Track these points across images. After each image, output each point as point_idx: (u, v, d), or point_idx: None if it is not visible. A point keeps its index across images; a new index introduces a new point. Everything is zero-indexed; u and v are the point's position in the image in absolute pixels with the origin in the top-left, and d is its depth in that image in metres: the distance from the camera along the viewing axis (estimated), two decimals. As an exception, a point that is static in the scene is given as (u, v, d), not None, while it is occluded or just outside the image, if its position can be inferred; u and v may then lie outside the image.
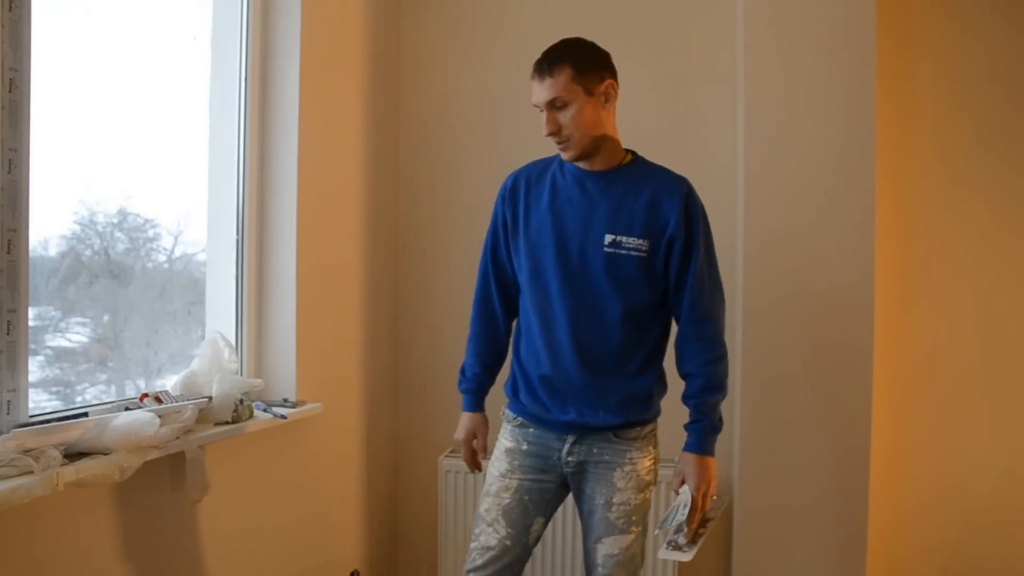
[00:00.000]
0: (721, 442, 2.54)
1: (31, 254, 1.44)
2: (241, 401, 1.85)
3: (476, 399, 1.87)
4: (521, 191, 1.80)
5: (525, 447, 1.77)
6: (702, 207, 1.74)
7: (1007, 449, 2.58)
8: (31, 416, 1.45)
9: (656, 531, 1.73)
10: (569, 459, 1.74)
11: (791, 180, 2.40)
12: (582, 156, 1.71)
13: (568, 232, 1.71)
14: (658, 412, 1.81)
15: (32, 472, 1.28)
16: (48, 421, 1.46)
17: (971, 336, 2.60)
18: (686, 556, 1.65)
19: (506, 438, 1.81)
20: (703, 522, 1.72)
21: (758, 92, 2.42)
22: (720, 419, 1.76)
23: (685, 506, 1.68)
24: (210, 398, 1.82)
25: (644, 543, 1.77)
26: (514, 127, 2.70)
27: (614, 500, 1.72)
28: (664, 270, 1.72)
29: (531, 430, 1.77)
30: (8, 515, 1.28)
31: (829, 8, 2.38)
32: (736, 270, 2.50)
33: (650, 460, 1.77)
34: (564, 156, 1.72)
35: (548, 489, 1.77)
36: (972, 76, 2.58)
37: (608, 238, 1.68)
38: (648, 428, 1.77)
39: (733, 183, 2.54)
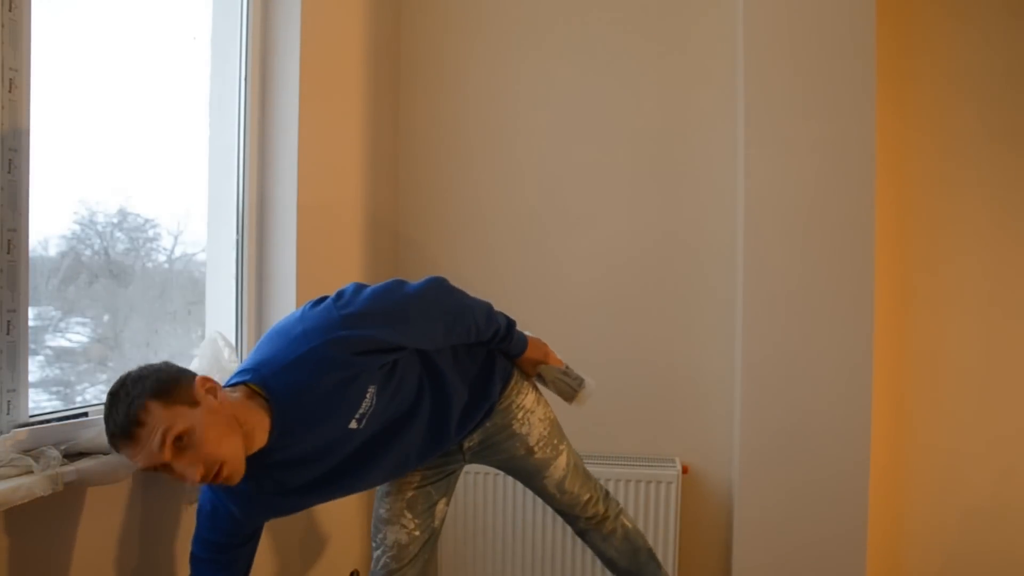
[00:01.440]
0: (721, 442, 2.57)
1: (31, 254, 1.44)
2: (241, 401, 1.85)
3: None
4: (254, 499, 1.49)
5: None
6: (345, 331, 1.41)
7: (1007, 448, 2.58)
8: (31, 416, 1.45)
9: (574, 405, 1.82)
10: (470, 445, 1.76)
11: (791, 180, 2.40)
12: (248, 451, 1.34)
13: (330, 468, 1.50)
14: (508, 364, 1.79)
15: (32, 472, 1.28)
16: (48, 421, 1.46)
17: (971, 335, 2.60)
18: (588, 381, 1.81)
19: None
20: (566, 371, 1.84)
21: (758, 92, 2.42)
22: (507, 323, 1.71)
23: (564, 372, 1.81)
24: (210, 398, 1.82)
25: (572, 448, 1.86)
26: (514, 127, 2.70)
27: (531, 443, 1.77)
28: (395, 361, 1.51)
29: None
30: (8, 515, 1.28)
31: (829, 8, 2.38)
32: (736, 270, 2.51)
33: (530, 395, 1.79)
34: (234, 484, 1.34)
35: (447, 471, 1.80)
36: (972, 74, 2.58)
37: (352, 424, 1.45)
38: (512, 379, 1.77)
39: (733, 183, 2.54)
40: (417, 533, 1.76)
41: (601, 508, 1.89)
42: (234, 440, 1.30)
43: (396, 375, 1.51)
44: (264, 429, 1.37)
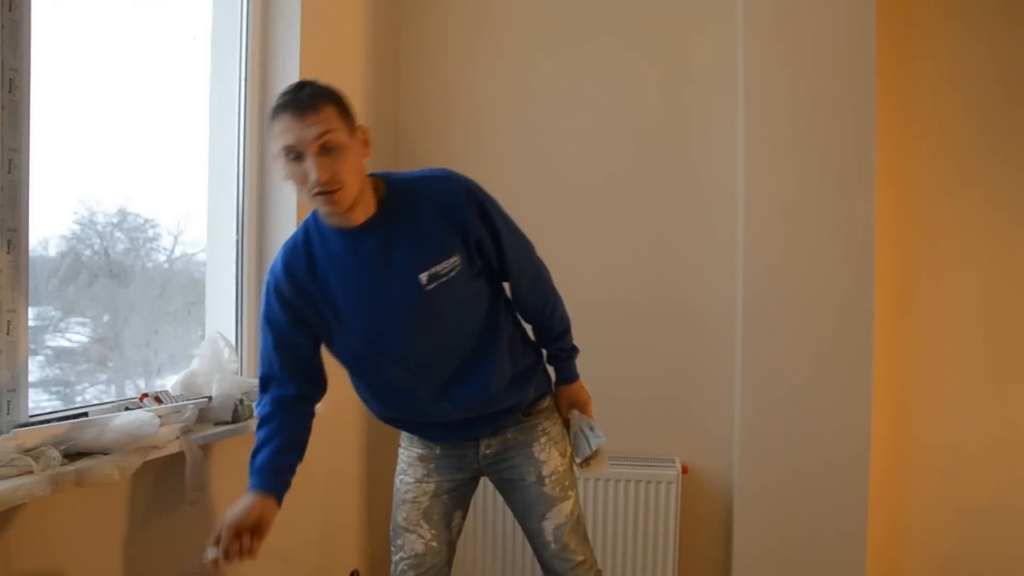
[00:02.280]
0: (721, 442, 2.57)
1: (31, 254, 1.44)
2: (241, 401, 1.85)
3: (274, 480, 1.51)
4: (304, 282, 1.54)
5: (439, 451, 1.74)
6: (477, 189, 1.58)
7: (1007, 448, 2.59)
8: (31, 416, 1.45)
9: (578, 460, 1.79)
10: (487, 452, 1.73)
11: (791, 180, 2.40)
12: (349, 209, 1.45)
13: (382, 300, 1.52)
14: (549, 378, 1.83)
15: (32, 472, 1.28)
16: (48, 421, 1.46)
17: (971, 335, 2.60)
18: (604, 465, 1.79)
19: (416, 446, 1.76)
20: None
21: (758, 92, 2.42)
22: (575, 347, 1.81)
23: (591, 427, 1.79)
24: (210, 398, 1.82)
25: (580, 504, 1.81)
26: (514, 127, 2.70)
27: (544, 472, 1.72)
28: (483, 268, 1.60)
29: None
30: (8, 515, 1.28)
31: (829, 8, 2.38)
32: (736, 270, 2.51)
33: (560, 425, 1.80)
34: (329, 210, 1.44)
35: (464, 484, 1.77)
36: (972, 75, 2.58)
37: (424, 277, 1.50)
38: (550, 398, 1.80)
39: (733, 183, 2.54)
40: (435, 544, 1.73)
41: None
42: (359, 183, 1.44)
43: (473, 286, 1.57)
44: (366, 213, 1.49)
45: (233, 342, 2.07)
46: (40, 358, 1.62)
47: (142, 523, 1.62)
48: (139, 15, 1.87)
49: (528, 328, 1.79)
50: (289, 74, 2.13)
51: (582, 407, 1.82)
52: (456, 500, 1.77)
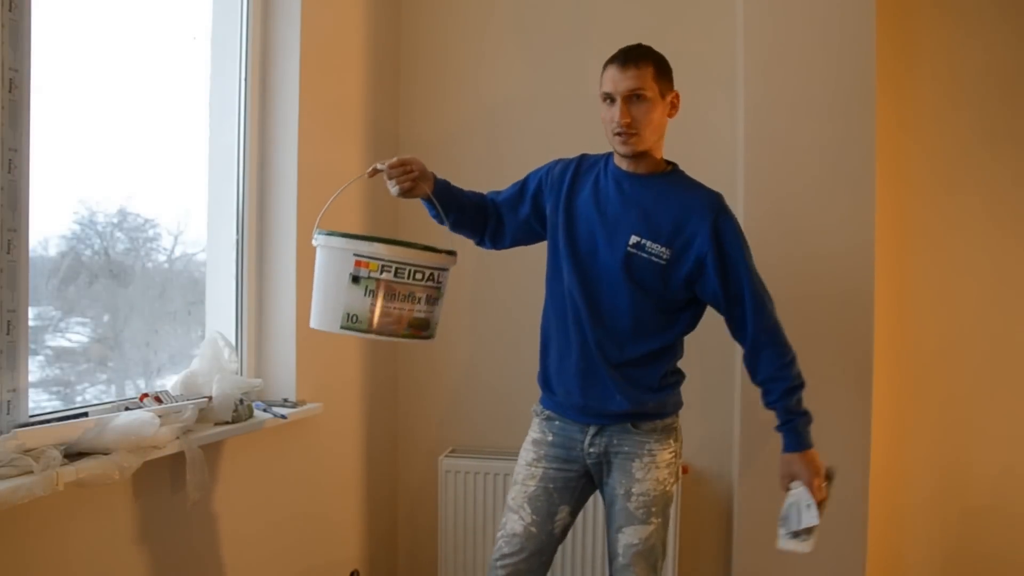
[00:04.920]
0: (721, 442, 2.57)
1: (31, 254, 1.44)
2: (241, 401, 1.85)
3: (446, 183, 1.83)
4: (569, 176, 1.81)
5: (550, 438, 1.82)
6: (735, 223, 1.74)
7: (1007, 448, 2.58)
8: (31, 416, 1.45)
9: (783, 532, 1.74)
10: (591, 450, 1.78)
11: (791, 180, 2.40)
12: (639, 154, 1.72)
13: (598, 226, 1.74)
14: (677, 406, 1.87)
15: (32, 472, 1.28)
16: (48, 421, 1.46)
17: (971, 335, 2.60)
18: (807, 547, 1.70)
19: (534, 431, 1.86)
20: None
21: (758, 92, 2.42)
22: (807, 411, 1.76)
23: (808, 505, 1.70)
24: (210, 398, 1.83)
25: (665, 535, 1.81)
26: (514, 128, 2.70)
27: (633, 490, 1.75)
28: (686, 281, 1.74)
29: (556, 423, 1.82)
30: (8, 515, 1.28)
31: (829, 8, 2.38)
32: (736, 270, 2.50)
33: (670, 453, 1.81)
34: (623, 149, 1.71)
35: (571, 478, 1.81)
36: (972, 77, 2.58)
37: (633, 239, 1.71)
38: (667, 421, 1.82)
39: (733, 183, 2.54)
40: (533, 530, 1.77)
41: None
42: (654, 137, 1.71)
43: (664, 282, 1.73)
44: (647, 169, 1.75)
45: (233, 342, 2.07)
46: (40, 358, 1.63)
47: (142, 523, 1.62)
48: (139, 15, 1.87)
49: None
50: (289, 74, 2.13)
51: (809, 482, 1.71)
52: (563, 492, 1.80)
